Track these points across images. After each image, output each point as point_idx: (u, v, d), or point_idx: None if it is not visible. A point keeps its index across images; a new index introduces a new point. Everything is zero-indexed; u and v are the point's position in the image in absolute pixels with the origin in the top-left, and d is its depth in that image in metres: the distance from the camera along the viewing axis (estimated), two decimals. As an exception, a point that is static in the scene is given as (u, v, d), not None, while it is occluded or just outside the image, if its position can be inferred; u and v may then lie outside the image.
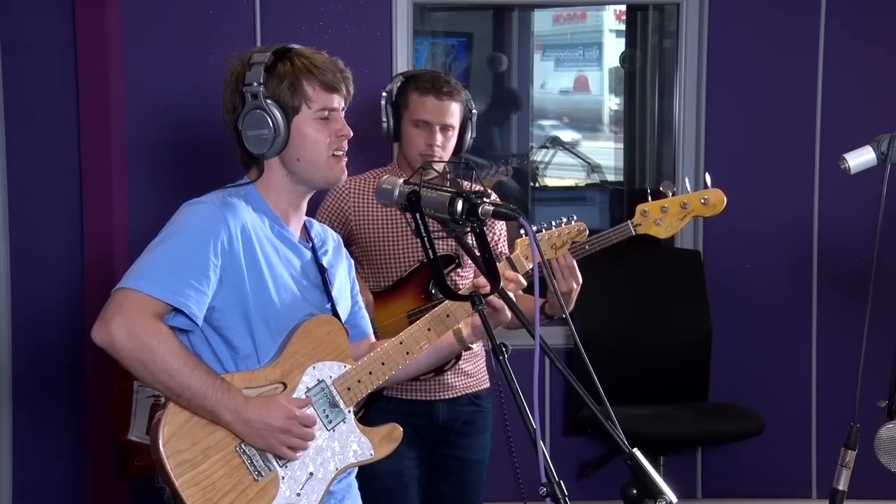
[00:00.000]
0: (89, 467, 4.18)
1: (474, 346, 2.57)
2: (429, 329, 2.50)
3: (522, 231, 3.01)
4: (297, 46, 2.40)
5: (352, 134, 2.40)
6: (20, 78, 4.12)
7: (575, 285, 2.97)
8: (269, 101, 2.32)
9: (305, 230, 2.49)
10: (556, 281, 2.98)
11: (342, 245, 2.61)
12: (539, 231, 2.93)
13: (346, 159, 2.41)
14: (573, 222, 3.04)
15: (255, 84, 2.31)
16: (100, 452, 4.11)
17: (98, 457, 4.13)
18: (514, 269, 2.85)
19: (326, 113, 2.36)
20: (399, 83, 3.32)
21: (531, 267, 2.95)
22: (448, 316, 2.52)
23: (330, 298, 2.45)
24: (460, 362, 3.27)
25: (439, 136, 3.25)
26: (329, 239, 2.56)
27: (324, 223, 2.73)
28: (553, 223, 3.03)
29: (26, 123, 4.14)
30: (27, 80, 4.13)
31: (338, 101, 2.38)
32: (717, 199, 3.12)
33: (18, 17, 4.10)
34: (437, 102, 3.25)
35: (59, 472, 4.25)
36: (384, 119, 3.33)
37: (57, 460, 4.24)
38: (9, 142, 4.15)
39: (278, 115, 2.32)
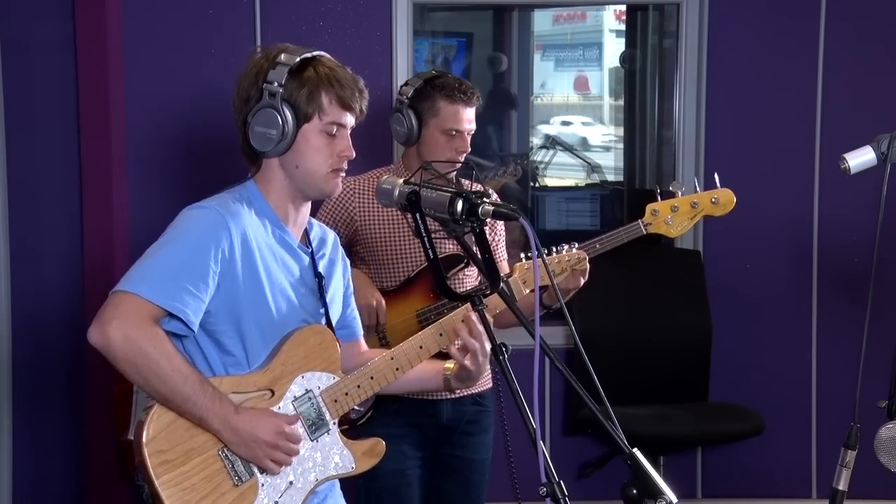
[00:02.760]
0: (89, 467, 4.18)
1: (457, 392, 2.58)
2: (420, 347, 2.50)
3: (523, 256, 3.06)
4: (324, 55, 2.40)
5: (354, 156, 2.40)
6: (20, 78, 4.12)
7: (582, 281, 3.04)
8: (284, 104, 2.32)
9: (305, 233, 2.48)
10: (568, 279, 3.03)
11: (339, 244, 2.60)
12: (539, 256, 2.95)
13: (343, 175, 2.41)
14: (574, 250, 3.07)
15: (276, 84, 2.31)
16: (100, 452, 4.11)
17: (98, 457, 4.12)
18: (511, 292, 2.88)
19: (335, 129, 2.36)
20: (418, 86, 3.31)
21: (528, 291, 2.98)
22: (441, 335, 2.52)
23: (324, 305, 2.45)
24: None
25: (468, 140, 3.30)
26: (328, 239, 2.56)
27: (327, 223, 2.73)
28: (555, 249, 3.06)
29: (26, 123, 4.14)
30: (27, 80, 4.13)
31: (349, 119, 2.38)
32: (727, 199, 3.16)
33: (18, 18, 4.10)
34: (467, 109, 3.28)
35: (59, 472, 4.25)
36: (405, 123, 3.30)
37: (57, 460, 4.24)
38: (9, 142, 4.14)
39: (290, 118, 2.32)
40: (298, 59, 2.33)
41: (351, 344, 2.58)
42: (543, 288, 2.99)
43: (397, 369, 2.47)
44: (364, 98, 2.39)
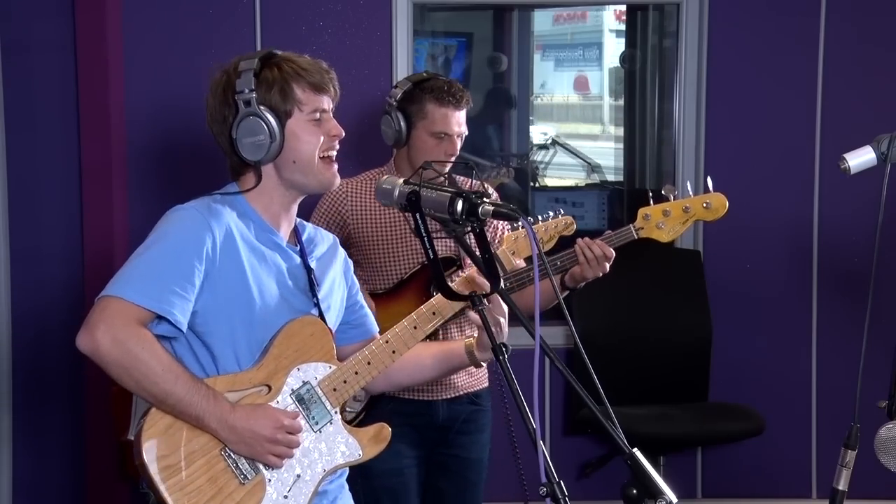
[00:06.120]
0: (89, 467, 4.18)
1: (484, 364, 2.54)
2: (415, 327, 2.49)
3: (510, 226, 3.04)
4: (278, 52, 2.40)
5: (343, 134, 2.41)
6: (20, 78, 4.12)
7: (607, 266, 3.03)
8: (262, 107, 2.32)
9: (295, 233, 2.47)
10: (588, 269, 3.01)
11: (338, 245, 2.59)
12: (539, 255, 2.95)
13: (336, 164, 2.41)
14: (560, 216, 3.06)
15: (247, 91, 2.32)
16: (100, 452, 4.11)
17: (98, 457, 4.13)
18: (501, 265, 2.87)
19: (318, 115, 2.37)
20: (407, 89, 3.29)
21: (518, 261, 2.98)
22: (434, 314, 2.51)
23: (316, 302, 2.44)
24: None
25: (458, 144, 3.27)
26: (322, 241, 2.54)
27: (320, 226, 2.71)
28: (540, 217, 3.05)
29: (26, 123, 4.15)
30: (27, 81, 4.13)
31: (327, 102, 2.39)
32: (720, 204, 3.12)
33: (19, 18, 4.10)
34: (456, 113, 3.25)
35: (59, 472, 4.25)
36: (393, 125, 3.29)
37: (57, 460, 4.24)
38: (9, 142, 4.15)
39: (272, 120, 2.32)
40: (257, 60, 2.34)
41: (366, 343, 2.56)
42: (529, 259, 3.00)
43: (393, 352, 2.46)
44: (333, 77, 2.40)
